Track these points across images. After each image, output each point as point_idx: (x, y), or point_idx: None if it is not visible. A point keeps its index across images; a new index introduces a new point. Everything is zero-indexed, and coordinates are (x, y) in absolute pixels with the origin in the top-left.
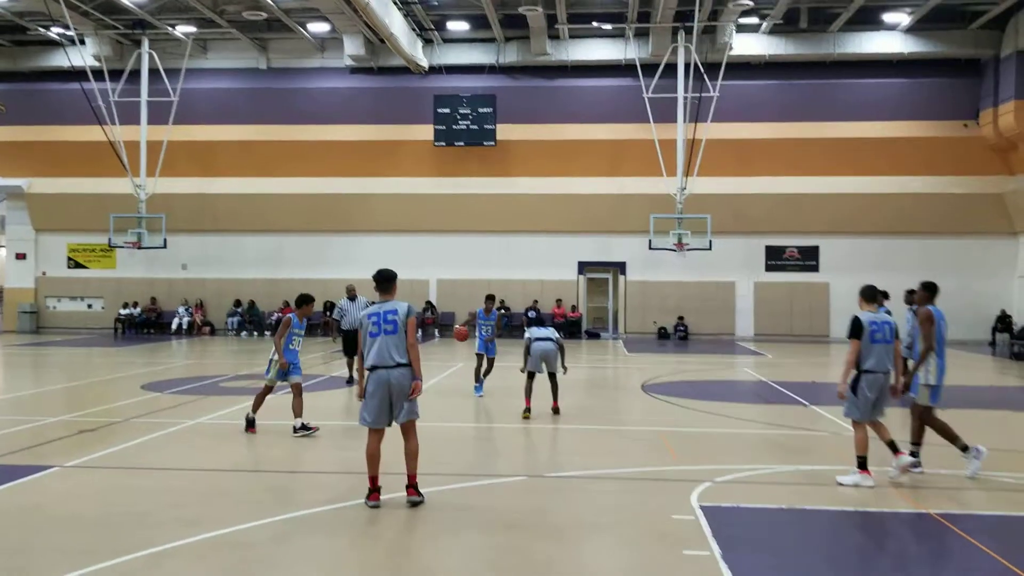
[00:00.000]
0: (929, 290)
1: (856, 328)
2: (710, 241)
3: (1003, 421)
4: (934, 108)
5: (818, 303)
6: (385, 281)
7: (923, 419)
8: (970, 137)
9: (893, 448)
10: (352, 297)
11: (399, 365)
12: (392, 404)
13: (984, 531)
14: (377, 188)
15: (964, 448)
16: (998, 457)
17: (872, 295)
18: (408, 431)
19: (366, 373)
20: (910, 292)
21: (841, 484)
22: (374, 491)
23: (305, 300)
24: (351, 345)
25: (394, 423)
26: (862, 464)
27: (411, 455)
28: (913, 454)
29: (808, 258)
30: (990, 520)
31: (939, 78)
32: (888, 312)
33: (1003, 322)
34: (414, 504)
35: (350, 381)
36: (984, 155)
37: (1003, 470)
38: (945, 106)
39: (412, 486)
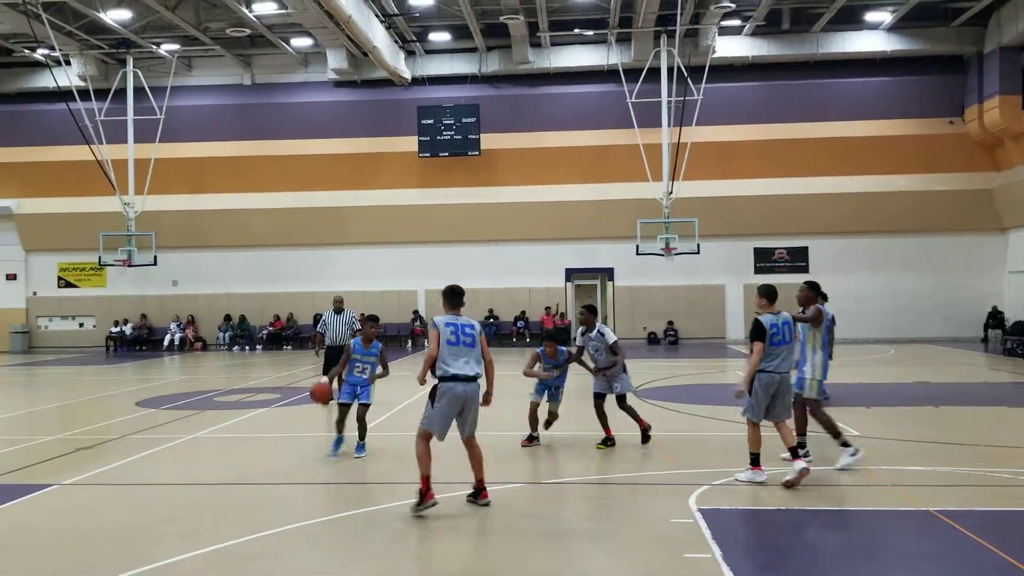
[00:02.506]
0: (814, 289)
1: (758, 330)
2: (698, 245)
3: (999, 417)
4: (919, 106)
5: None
6: (456, 296)
7: (811, 413)
8: (956, 134)
9: (793, 452)
10: (338, 310)
11: (475, 378)
12: (463, 415)
13: (985, 528)
14: (363, 200)
15: (844, 444)
16: (996, 454)
17: (772, 296)
18: (471, 441)
19: (436, 379)
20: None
21: (738, 480)
22: (428, 491)
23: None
24: (334, 362)
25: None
26: (754, 461)
27: (478, 461)
28: (801, 445)
29: (797, 259)
30: (991, 516)
31: (923, 76)
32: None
33: (995, 318)
34: (485, 505)
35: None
36: (970, 151)
37: (1002, 466)
38: (930, 104)
39: (482, 490)
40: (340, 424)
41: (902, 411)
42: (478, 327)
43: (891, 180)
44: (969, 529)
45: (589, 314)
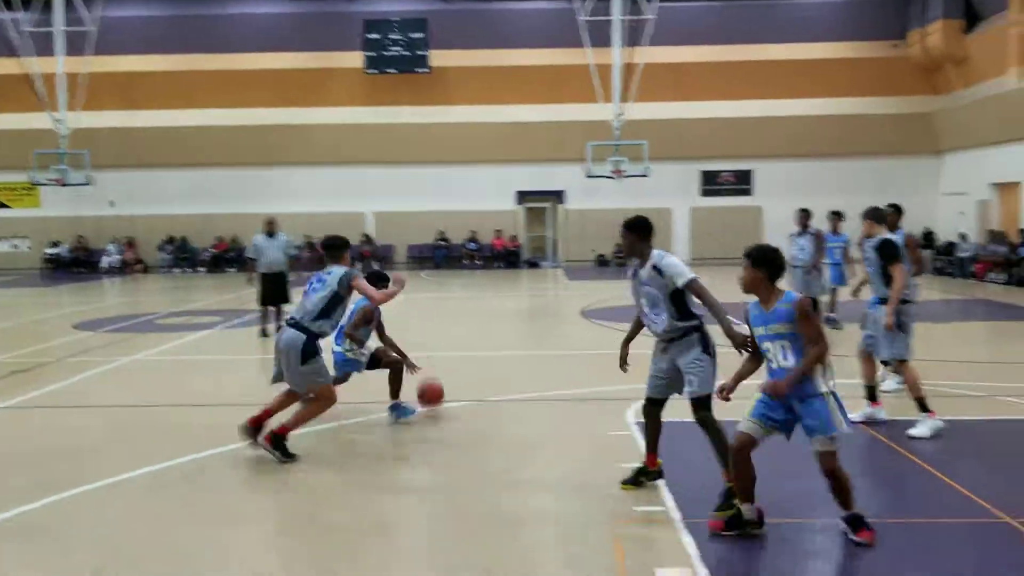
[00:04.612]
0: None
1: (893, 250)
2: (647, 167)
3: (923, 333)
4: (864, 29)
5: (752, 227)
6: (331, 248)
7: None
8: (898, 57)
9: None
10: (271, 232)
11: (292, 325)
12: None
13: (904, 437)
14: (307, 118)
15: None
16: (927, 368)
17: (883, 218)
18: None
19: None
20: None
21: (913, 436)
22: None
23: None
24: (270, 291)
25: None
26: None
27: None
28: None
29: (742, 182)
30: (911, 425)
31: None
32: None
33: (927, 239)
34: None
35: (264, 334)
36: (912, 75)
37: (925, 379)
38: (875, 27)
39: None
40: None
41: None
42: (335, 274)
43: (834, 103)
44: (890, 439)
45: (633, 235)
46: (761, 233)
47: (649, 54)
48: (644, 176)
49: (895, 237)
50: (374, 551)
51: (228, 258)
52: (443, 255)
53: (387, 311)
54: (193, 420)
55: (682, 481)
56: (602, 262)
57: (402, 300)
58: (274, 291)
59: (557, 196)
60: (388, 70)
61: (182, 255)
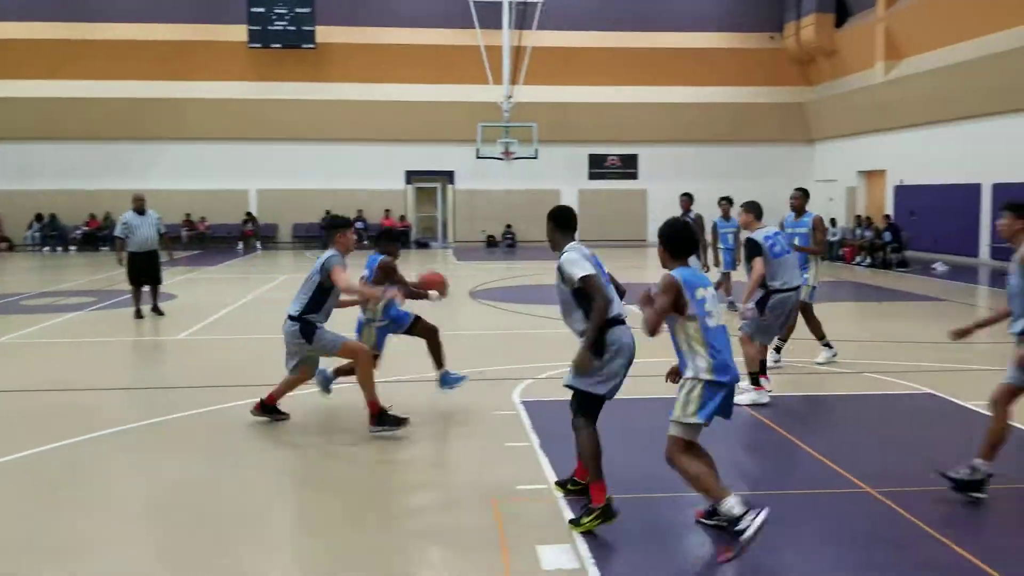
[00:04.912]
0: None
1: (755, 249)
2: (536, 150)
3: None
4: (744, 20)
5: (637, 209)
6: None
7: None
8: (775, 49)
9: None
10: (140, 210)
11: (289, 317)
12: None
13: (771, 413)
14: (187, 92)
15: (828, 344)
16: (801, 346)
17: (759, 211)
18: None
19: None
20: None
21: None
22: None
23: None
24: (142, 270)
25: None
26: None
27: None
28: (828, 345)
29: (628, 166)
30: (779, 400)
31: None
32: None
33: None
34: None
35: (139, 315)
36: (787, 66)
37: (808, 358)
38: (754, 19)
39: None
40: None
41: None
42: (317, 264)
43: (716, 91)
44: (763, 415)
45: (550, 225)
46: (646, 216)
47: (538, 37)
48: (533, 158)
49: (758, 236)
50: (246, 542)
51: (101, 236)
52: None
53: (272, 292)
54: (59, 403)
55: (567, 457)
56: (492, 243)
57: (282, 281)
58: (146, 270)
59: (447, 176)
60: (273, 45)
61: (51, 233)
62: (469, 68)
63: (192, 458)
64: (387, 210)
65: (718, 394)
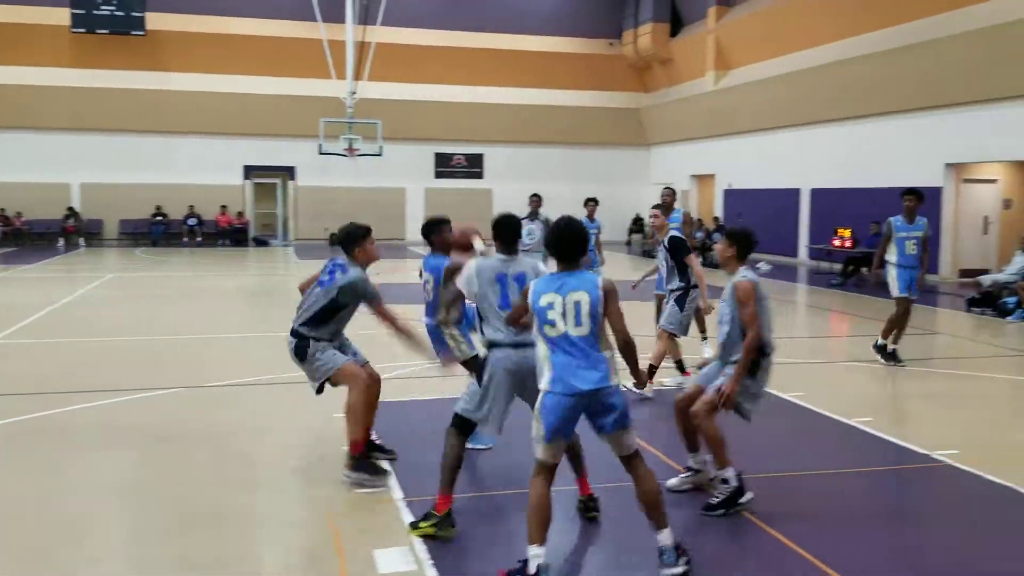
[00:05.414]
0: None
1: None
2: (381, 147)
3: (634, 312)
4: (585, 26)
5: (483, 209)
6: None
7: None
8: (614, 55)
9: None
10: None
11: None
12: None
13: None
14: (2, 77)
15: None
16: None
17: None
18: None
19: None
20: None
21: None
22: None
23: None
24: None
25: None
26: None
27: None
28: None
29: (474, 165)
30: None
31: None
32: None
33: (637, 224)
34: None
35: None
36: (625, 73)
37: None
38: (595, 24)
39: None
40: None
41: None
42: (334, 278)
43: (559, 94)
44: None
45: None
46: (491, 214)
47: (383, 34)
48: (378, 155)
49: (677, 234)
50: (64, 553)
51: None
52: (161, 232)
53: (97, 290)
54: None
55: (406, 459)
56: (334, 241)
57: (108, 280)
58: None
59: (288, 172)
60: (99, 30)
61: None
62: (311, 62)
63: (7, 469)
64: (223, 206)
65: None
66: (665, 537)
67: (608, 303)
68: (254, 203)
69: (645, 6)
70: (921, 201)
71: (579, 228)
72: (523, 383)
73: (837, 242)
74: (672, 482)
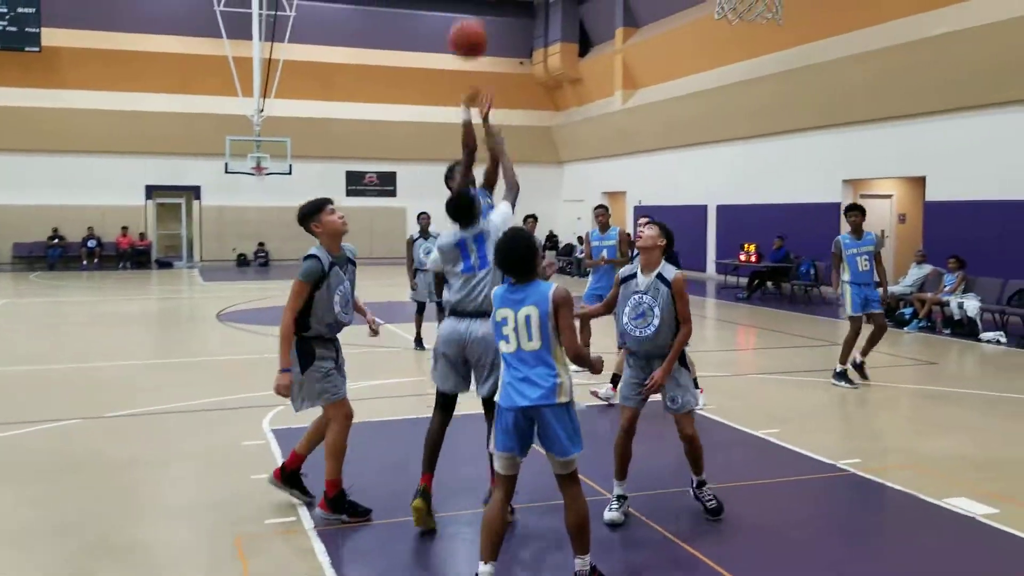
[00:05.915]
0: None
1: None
2: (290, 165)
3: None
4: (496, 45)
5: (396, 227)
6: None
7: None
8: (525, 74)
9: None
10: None
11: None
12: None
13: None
14: None
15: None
16: None
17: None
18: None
19: None
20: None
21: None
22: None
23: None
24: None
25: None
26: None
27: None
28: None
29: (387, 183)
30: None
31: (501, 16)
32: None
33: (551, 240)
34: None
35: None
36: (536, 91)
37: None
38: (506, 44)
39: None
40: None
41: None
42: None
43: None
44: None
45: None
46: (406, 234)
47: (291, 51)
48: (287, 174)
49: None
50: None
51: None
52: (58, 255)
53: None
54: None
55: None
56: (243, 262)
57: (4, 305)
58: None
59: (193, 191)
60: None
61: None
62: (217, 79)
63: None
64: (124, 227)
65: None
66: (583, 564)
67: (559, 316)
68: (156, 224)
69: (554, 26)
70: (864, 216)
71: (526, 240)
72: (462, 350)
73: (743, 257)
74: (613, 516)
